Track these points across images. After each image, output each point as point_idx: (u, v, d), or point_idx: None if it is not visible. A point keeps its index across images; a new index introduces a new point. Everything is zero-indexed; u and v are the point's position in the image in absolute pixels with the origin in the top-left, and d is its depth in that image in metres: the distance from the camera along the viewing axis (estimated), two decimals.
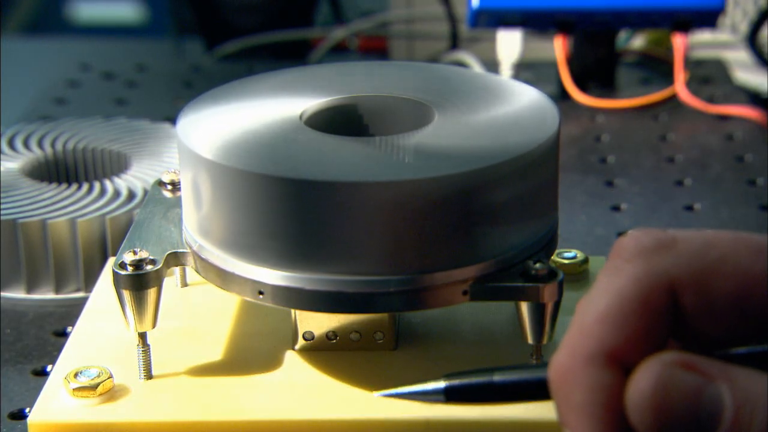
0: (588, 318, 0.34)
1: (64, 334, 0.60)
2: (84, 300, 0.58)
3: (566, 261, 0.57)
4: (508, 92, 0.53)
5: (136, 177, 0.68)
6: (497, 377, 0.37)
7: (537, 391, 0.37)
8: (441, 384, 0.38)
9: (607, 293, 0.34)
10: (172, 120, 0.62)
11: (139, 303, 0.49)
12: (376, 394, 0.40)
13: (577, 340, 0.34)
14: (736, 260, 0.34)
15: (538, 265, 0.47)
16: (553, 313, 0.47)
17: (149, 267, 0.49)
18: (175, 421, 0.49)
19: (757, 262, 0.34)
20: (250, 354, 0.52)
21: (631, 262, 0.35)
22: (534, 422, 0.48)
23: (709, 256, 0.34)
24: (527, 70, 0.97)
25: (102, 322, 0.55)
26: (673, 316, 0.34)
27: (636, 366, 0.33)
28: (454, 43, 1.04)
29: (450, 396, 0.37)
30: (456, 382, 0.37)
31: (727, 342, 0.34)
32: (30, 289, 0.64)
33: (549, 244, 0.50)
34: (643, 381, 0.33)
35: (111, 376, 0.50)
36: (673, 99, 0.90)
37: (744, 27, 1.09)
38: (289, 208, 0.46)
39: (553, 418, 0.48)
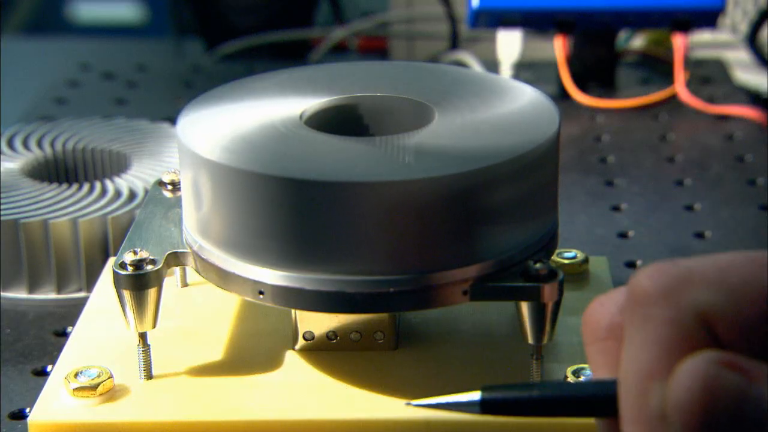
0: (637, 379, 0.34)
1: (64, 334, 0.60)
2: (85, 300, 0.58)
3: (566, 261, 0.57)
4: (508, 92, 0.53)
5: (137, 177, 0.68)
6: (536, 393, 0.37)
7: (576, 408, 0.36)
8: (476, 396, 0.37)
9: (648, 346, 0.34)
10: (172, 120, 0.62)
11: (140, 303, 0.49)
12: (412, 403, 0.40)
13: (631, 406, 0.34)
14: (758, 281, 0.33)
15: (538, 265, 0.47)
16: (554, 313, 0.47)
17: (149, 267, 0.50)
18: (175, 421, 0.49)
19: None
20: (250, 354, 0.52)
21: (657, 306, 0.34)
22: (534, 422, 0.48)
23: (731, 282, 0.34)
24: (527, 70, 0.97)
25: (102, 322, 0.55)
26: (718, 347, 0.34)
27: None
28: (454, 43, 1.04)
29: (486, 408, 0.37)
30: (492, 395, 0.37)
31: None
32: (31, 289, 0.64)
33: (549, 244, 0.50)
34: (689, 378, 0.32)
35: (111, 376, 0.50)
36: (673, 99, 0.90)
37: (744, 27, 1.09)
38: (289, 208, 0.46)
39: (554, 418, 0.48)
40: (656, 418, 0.33)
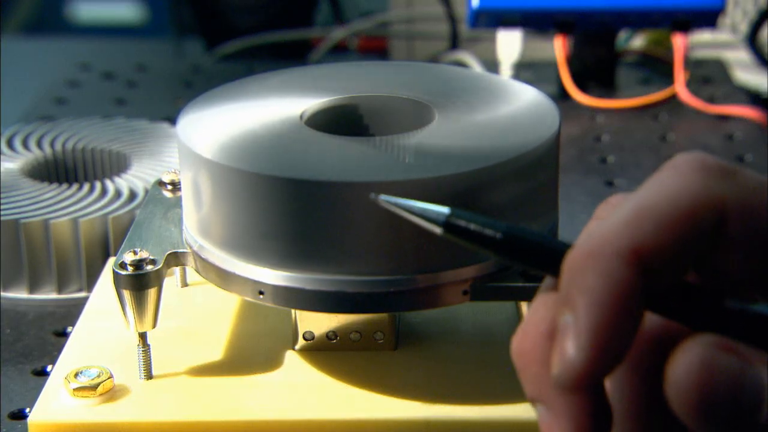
0: (630, 211, 0.33)
1: (64, 334, 0.60)
2: (85, 300, 0.58)
3: None
4: (508, 92, 0.53)
5: (137, 177, 0.68)
6: (499, 235, 0.36)
7: (529, 261, 0.36)
8: (444, 214, 0.36)
9: (658, 194, 0.34)
10: (172, 120, 0.62)
11: (140, 303, 0.49)
12: (381, 197, 0.39)
13: (611, 230, 0.33)
14: None
15: None
16: None
17: (149, 267, 0.50)
18: (175, 421, 0.49)
19: None
20: (250, 354, 0.52)
21: (688, 175, 0.34)
22: (534, 422, 0.48)
23: (765, 195, 0.34)
24: (527, 70, 0.98)
25: (102, 322, 0.55)
26: (711, 243, 0.34)
27: (655, 267, 0.33)
28: (454, 43, 1.04)
29: (448, 229, 0.36)
30: (458, 221, 0.36)
31: (749, 287, 0.34)
32: (32, 289, 0.64)
33: None
34: (688, 361, 0.32)
35: (111, 376, 0.50)
36: (673, 99, 0.90)
37: (744, 27, 1.09)
38: (289, 208, 0.46)
39: None
40: (618, 255, 0.33)
